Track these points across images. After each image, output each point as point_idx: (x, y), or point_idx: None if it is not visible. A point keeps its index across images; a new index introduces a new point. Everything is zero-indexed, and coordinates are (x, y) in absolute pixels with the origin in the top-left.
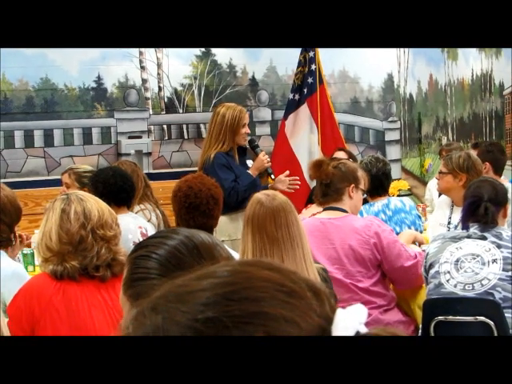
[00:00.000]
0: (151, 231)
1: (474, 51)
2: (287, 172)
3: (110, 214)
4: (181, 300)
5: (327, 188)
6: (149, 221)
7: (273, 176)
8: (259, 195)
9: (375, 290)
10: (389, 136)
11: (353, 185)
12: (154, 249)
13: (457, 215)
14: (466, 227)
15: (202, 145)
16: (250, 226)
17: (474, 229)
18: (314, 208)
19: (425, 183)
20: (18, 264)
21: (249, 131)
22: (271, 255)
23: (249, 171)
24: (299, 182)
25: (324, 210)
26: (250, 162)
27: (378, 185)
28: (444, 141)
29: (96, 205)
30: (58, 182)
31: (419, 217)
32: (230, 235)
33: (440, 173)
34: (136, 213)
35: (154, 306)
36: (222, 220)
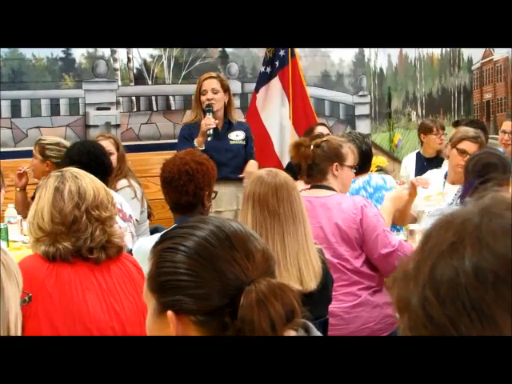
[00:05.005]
0: (126, 206)
1: None
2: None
3: (106, 194)
4: None
5: (310, 169)
6: (133, 198)
7: (209, 138)
8: (261, 172)
9: (363, 270)
10: (359, 110)
11: (336, 163)
12: (181, 240)
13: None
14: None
15: None
16: (250, 202)
17: None
18: (300, 185)
19: (394, 158)
20: None
21: (209, 97)
22: (271, 230)
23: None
24: None
25: (311, 187)
26: (235, 134)
27: (367, 161)
28: (413, 116)
29: (92, 184)
30: (24, 154)
31: None
32: None
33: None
34: (120, 189)
35: None
36: None
